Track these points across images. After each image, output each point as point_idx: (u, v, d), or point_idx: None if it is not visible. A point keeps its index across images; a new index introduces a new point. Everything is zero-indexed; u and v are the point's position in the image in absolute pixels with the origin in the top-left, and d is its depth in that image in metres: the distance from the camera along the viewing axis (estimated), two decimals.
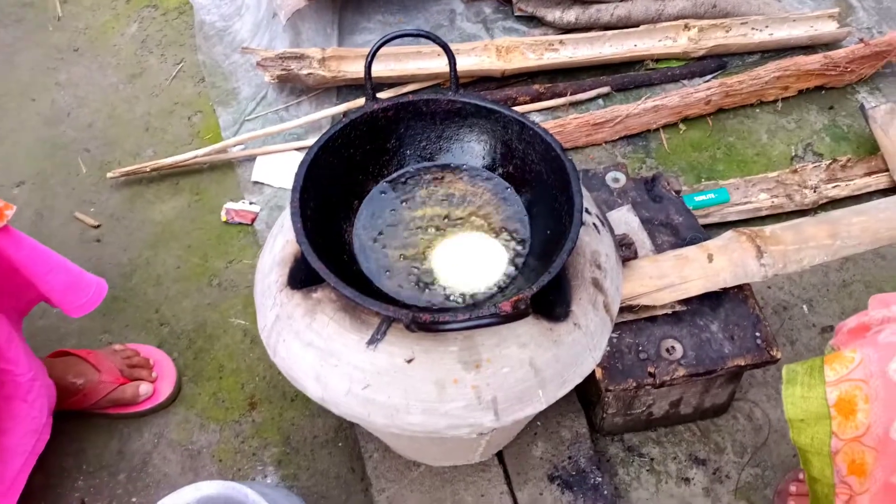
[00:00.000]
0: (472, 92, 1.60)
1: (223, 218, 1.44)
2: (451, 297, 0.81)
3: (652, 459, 1.18)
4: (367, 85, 0.87)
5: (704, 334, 1.06)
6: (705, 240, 1.11)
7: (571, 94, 1.61)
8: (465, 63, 1.58)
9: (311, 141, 1.53)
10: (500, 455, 1.13)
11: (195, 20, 1.75)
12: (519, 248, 0.85)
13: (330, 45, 1.62)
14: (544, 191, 0.86)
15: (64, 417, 1.14)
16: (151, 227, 1.44)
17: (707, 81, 1.62)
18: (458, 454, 1.05)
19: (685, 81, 1.66)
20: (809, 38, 1.67)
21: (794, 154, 1.54)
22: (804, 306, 1.34)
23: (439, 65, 1.58)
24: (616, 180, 1.22)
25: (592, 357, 0.82)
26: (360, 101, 1.57)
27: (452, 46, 1.61)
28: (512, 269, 0.83)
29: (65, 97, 1.65)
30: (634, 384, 1.03)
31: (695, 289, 1.04)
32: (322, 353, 0.77)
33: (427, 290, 0.81)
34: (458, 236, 0.85)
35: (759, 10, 1.71)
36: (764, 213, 1.42)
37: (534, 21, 1.74)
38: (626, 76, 1.65)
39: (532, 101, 1.61)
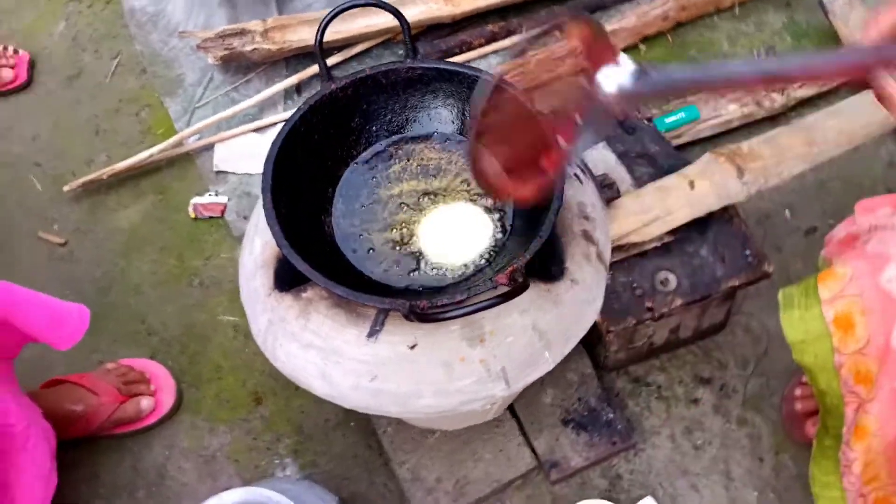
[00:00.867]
0: (426, 42, 1.54)
1: (192, 214, 1.39)
2: (441, 272, 0.79)
3: (659, 387, 1.19)
4: (321, 65, 0.84)
5: (696, 260, 1.06)
6: (683, 166, 1.10)
7: (526, 31, 1.56)
8: (413, 13, 1.52)
9: (267, 119, 1.48)
10: (511, 408, 1.13)
11: (124, 8, 1.66)
12: (503, 211, 0.83)
13: (270, 15, 1.54)
14: None
15: (71, 446, 1.13)
16: (120, 235, 1.40)
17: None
18: (473, 418, 1.06)
19: (639, 0, 1.61)
20: None
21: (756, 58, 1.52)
22: (785, 211, 1.34)
23: (387, 19, 1.52)
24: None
25: (593, 309, 0.82)
26: (311, 69, 1.51)
27: None
28: (500, 234, 0.81)
29: (1, 111, 1.57)
30: (634, 321, 1.04)
31: (680, 218, 1.04)
32: (323, 352, 0.76)
33: (416, 272, 0.80)
34: (440, 209, 0.83)
35: None
36: (735, 124, 1.40)
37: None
38: (579, 2, 1.60)
39: (487, 42, 1.56)
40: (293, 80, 1.49)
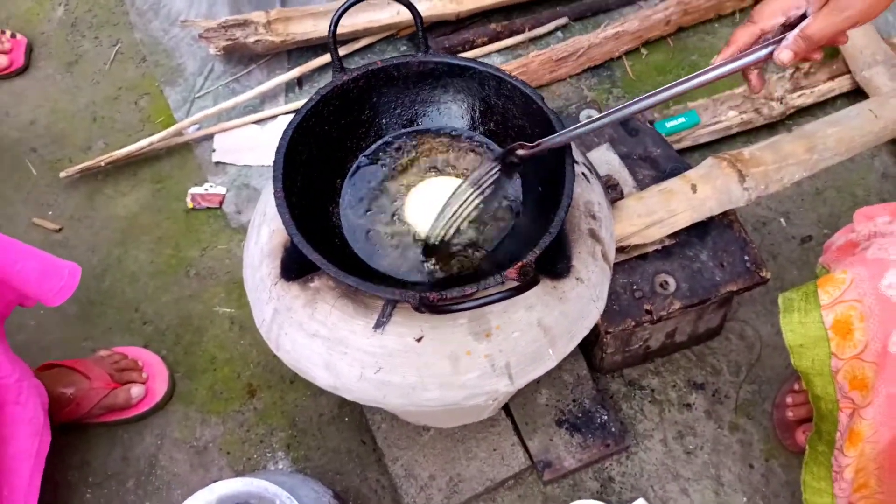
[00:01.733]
0: (429, 39, 1.54)
1: (189, 204, 1.38)
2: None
3: (653, 390, 1.20)
4: (333, 57, 0.83)
5: (695, 264, 1.07)
6: (685, 169, 1.10)
7: (530, 30, 1.57)
8: (419, 9, 1.52)
9: (268, 112, 1.48)
10: (506, 407, 1.14)
11: None
12: (512, 206, 0.83)
13: (274, 7, 1.54)
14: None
15: (62, 431, 1.11)
16: (116, 223, 1.38)
17: (664, 1, 1.59)
18: (470, 415, 1.06)
19: (642, 3, 1.63)
20: None
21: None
22: (781, 219, 1.36)
23: (390, 15, 1.52)
24: (590, 118, 1.19)
25: (597, 307, 0.82)
26: (314, 62, 1.50)
27: None
28: (510, 220, 0.82)
29: None
30: (633, 323, 1.04)
31: (682, 221, 1.04)
32: (329, 342, 0.76)
33: (424, 264, 0.80)
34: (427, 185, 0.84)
35: None
36: (735, 130, 1.42)
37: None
38: (582, 4, 1.61)
39: (490, 41, 1.56)
40: (295, 72, 1.49)
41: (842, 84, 1.46)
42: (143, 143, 1.40)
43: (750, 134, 1.42)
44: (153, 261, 1.34)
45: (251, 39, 1.47)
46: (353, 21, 1.51)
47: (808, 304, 0.81)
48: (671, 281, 1.05)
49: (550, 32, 1.59)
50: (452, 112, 0.87)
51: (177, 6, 1.61)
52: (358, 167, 0.86)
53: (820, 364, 0.82)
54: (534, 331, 0.76)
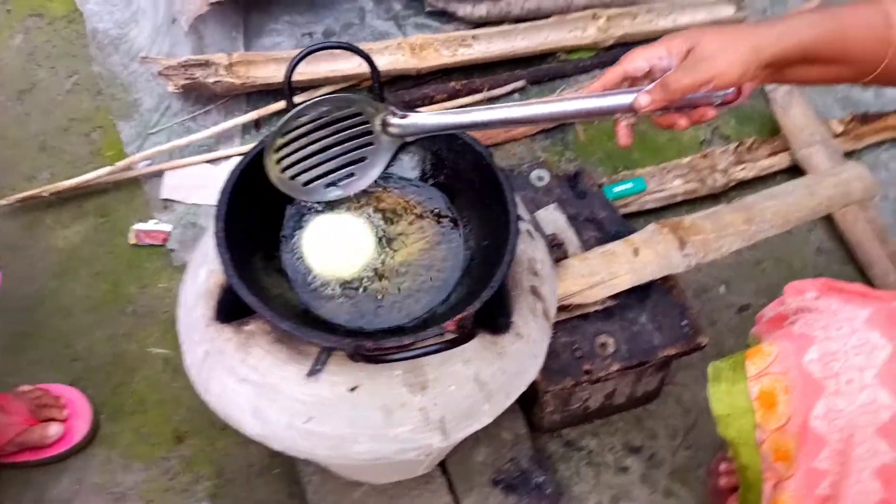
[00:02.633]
0: (389, 93, 1.57)
1: (132, 240, 1.35)
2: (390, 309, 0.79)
3: (590, 452, 1.20)
4: (288, 100, 0.84)
5: (635, 327, 1.08)
6: (629, 233, 1.13)
7: (488, 90, 1.60)
8: (379, 63, 1.50)
9: (222, 152, 1.47)
10: (442, 464, 1.12)
11: (87, 28, 1.64)
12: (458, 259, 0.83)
13: (236, 50, 1.55)
14: (477, 200, 0.85)
15: None
16: (55, 254, 1.34)
17: None
18: (403, 471, 1.04)
19: (597, 71, 1.68)
20: (710, 21, 1.73)
21: (703, 138, 1.60)
22: (721, 287, 1.39)
23: (352, 66, 1.54)
24: (540, 178, 1.22)
25: (535, 364, 0.82)
26: (273, 106, 1.51)
27: (364, 46, 1.57)
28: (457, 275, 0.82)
29: None
30: (572, 382, 1.04)
31: (623, 283, 1.06)
32: (259, 388, 0.74)
33: (368, 314, 0.79)
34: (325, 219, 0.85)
35: None
36: (679, 198, 1.46)
37: (445, 16, 1.72)
38: (539, 69, 1.66)
39: (449, 98, 1.59)
40: (253, 115, 1.49)
41: (781, 160, 1.52)
42: (90, 175, 1.38)
43: (694, 203, 1.46)
44: (89, 295, 1.30)
45: (211, 80, 1.47)
46: (313, 69, 1.52)
47: (736, 374, 0.82)
48: (611, 342, 1.06)
49: (508, 94, 1.63)
50: (403, 163, 0.88)
51: (139, 42, 1.61)
52: (306, 211, 0.85)
53: (745, 434, 0.83)
54: (470, 385, 0.76)
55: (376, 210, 0.86)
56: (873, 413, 0.74)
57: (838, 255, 1.44)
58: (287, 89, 0.83)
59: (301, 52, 0.83)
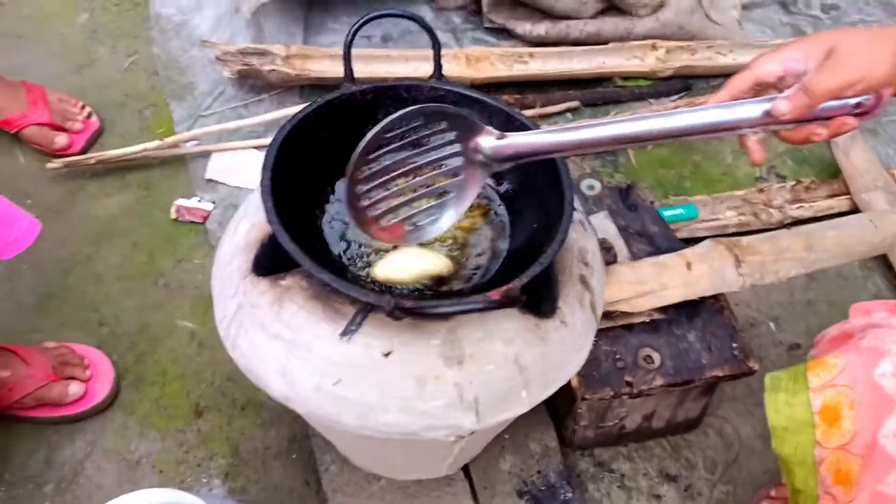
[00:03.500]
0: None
1: (173, 215, 1.35)
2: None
3: (623, 475, 1.13)
4: (346, 66, 0.82)
5: (682, 344, 1.03)
6: (680, 250, 1.08)
7: (541, 107, 1.59)
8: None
9: (270, 139, 1.46)
10: (466, 469, 1.06)
11: (151, 12, 1.68)
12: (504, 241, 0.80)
13: (294, 44, 1.56)
14: (529, 184, 0.82)
15: None
16: (94, 222, 1.34)
17: (674, 101, 1.63)
18: (426, 464, 0.99)
19: (651, 100, 1.66)
20: None
21: (758, 175, 1.55)
22: (771, 324, 1.33)
23: (407, 70, 1.54)
24: (591, 188, 1.19)
25: (578, 358, 0.78)
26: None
27: (421, 53, 1.58)
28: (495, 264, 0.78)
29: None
30: (611, 393, 0.99)
31: (674, 296, 1.01)
32: (290, 346, 0.70)
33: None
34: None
35: (723, 36, 1.73)
36: (731, 230, 1.41)
37: (503, 33, 1.72)
38: (594, 92, 1.64)
39: None
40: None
41: (841, 203, 1.47)
42: (137, 147, 1.38)
43: (746, 235, 1.41)
44: (123, 264, 1.29)
45: (267, 68, 1.48)
46: (371, 69, 1.52)
47: (797, 384, 0.77)
48: (656, 356, 1.01)
49: (560, 113, 1.61)
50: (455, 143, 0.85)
51: (200, 29, 1.63)
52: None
53: (803, 452, 0.77)
54: (510, 367, 0.71)
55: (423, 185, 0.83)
56: None
57: None
58: (346, 53, 0.82)
59: (364, 17, 0.82)
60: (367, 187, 0.70)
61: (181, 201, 1.36)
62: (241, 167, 1.42)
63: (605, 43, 1.66)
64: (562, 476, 1.07)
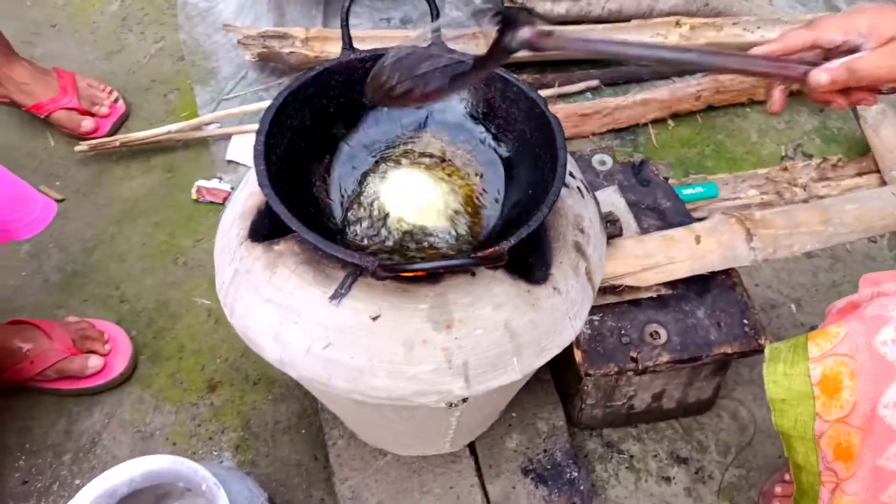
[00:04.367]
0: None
1: (194, 196, 1.38)
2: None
3: (632, 456, 1.12)
4: (344, 33, 0.83)
5: (690, 320, 1.01)
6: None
7: (560, 86, 1.57)
8: (457, 52, 1.54)
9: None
10: (471, 446, 1.06)
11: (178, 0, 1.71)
12: (497, 207, 0.80)
13: (314, 27, 1.57)
14: (527, 150, 0.81)
15: (10, 393, 1.07)
16: (119, 203, 1.38)
17: (698, 81, 1.59)
18: (427, 437, 0.99)
19: (675, 79, 1.63)
20: None
21: (783, 154, 1.51)
22: (792, 305, 1.30)
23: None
24: (602, 163, 1.17)
25: (572, 326, 0.77)
26: None
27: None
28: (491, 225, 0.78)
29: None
30: (616, 369, 0.98)
31: (681, 271, 0.99)
32: (282, 310, 0.71)
33: (400, 250, 0.76)
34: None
35: (750, 12, 1.69)
36: (753, 209, 1.38)
37: (523, 12, 1.71)
38: (615, 71, 1.62)
39: None
40: None
41: (869, 181, 1.42)
42: (161, 129, 1.41)
43: None
44: (145, 243, 1.32)
45: (286, 50, 1.50)
46: (384, 45, 1.53)
47: (796, 355, 0.74)
48: (662, 332, 1.00)
49: (580, 92, 1.59)
50: (455, 109, 0.86)
51: (224, 15, 1.66)
52: (350, 146, 0.84)
53: (803, 426, 0.75)
54: (499, 332, 0.71)
55: (423, 154, 0.84)
56: None
57: None
58: (344, 24, 0.82)
59: None
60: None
61: (202, 182, 1.39)
62: None
63: (627, 20, 1.63)
64: (568, 455, 1.06)
